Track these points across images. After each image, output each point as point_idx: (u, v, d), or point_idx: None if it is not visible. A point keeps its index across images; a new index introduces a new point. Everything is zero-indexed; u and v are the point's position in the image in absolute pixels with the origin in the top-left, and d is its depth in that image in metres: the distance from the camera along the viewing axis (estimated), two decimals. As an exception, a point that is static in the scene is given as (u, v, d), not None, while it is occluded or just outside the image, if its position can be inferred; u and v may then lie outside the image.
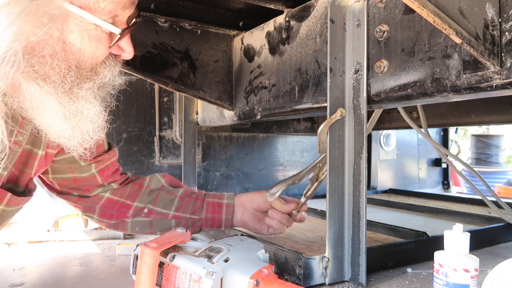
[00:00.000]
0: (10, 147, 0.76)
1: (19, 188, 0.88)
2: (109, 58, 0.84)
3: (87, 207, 1.10)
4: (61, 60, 0.74)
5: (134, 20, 0.83)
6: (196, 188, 1.83)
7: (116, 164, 1.13)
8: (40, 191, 1.78)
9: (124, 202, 1.11)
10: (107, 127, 0.86)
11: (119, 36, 0.80)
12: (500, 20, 0.71)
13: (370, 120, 1.09)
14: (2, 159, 0.73)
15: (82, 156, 0.87)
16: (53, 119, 0.78)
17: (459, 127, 3.20)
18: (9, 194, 0.84)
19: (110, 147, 1.11)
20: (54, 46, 0.73)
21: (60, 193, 1.09)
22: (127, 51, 0.85)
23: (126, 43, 0.84)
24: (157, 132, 1.84)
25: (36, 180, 1.00)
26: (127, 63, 1.21)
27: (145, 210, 1.11)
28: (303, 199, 1.15)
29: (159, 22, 1.28)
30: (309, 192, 1.13)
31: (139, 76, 1.28)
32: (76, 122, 0.80)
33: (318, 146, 0.95)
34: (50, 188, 1.09)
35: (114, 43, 0.81)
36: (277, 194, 1.11)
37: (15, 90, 0.74)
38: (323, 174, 1.09)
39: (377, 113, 1.14)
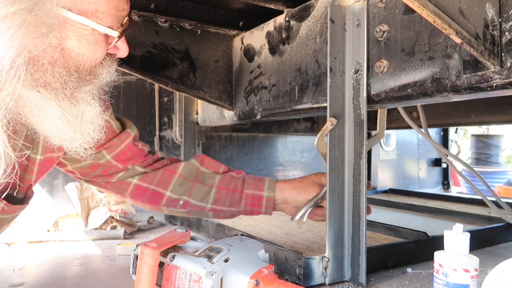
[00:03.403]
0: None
1: (19, 195, 0.87)
2: (106, 58, 0.84)
3: (117, 191, 1.08)
4: (61, 67, 0.75)
5: (127, 18, 0.83)
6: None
7: (136, 145, 1.06)
8: (40, 193, 1.79)
9: (154, 190, 1.07)
10: (107, 126, 0.86)
11: (117, 38, 0.81)
12: (500, 20, 0.71)
13: (379, 121, 1.08)
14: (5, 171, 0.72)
15: (83, 155, 0.86)
16: (55, 124, 0.78)
17: (459, 127, 3.20)
18: (4, 202, 0.83)
19: (124, 128, 1.05)
20: (53, 54, 0.73)
21: (87, 181, 1.07)
22: (122, 50, 0.86)
23: (122, 42, 0.85)
24: (157, 132, 1.84)
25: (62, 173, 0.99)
26: (127, 63, 1.21)
27: (180, 202, 1.08)
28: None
29: (159, 22, 1.28)
30: None
31: (139, 76, 1.28)
32: (77, 124, 0.80)
33: (317, 148, 0.97)
34: (76, 176, 1.06)
35: (113, 45, 0.82)
36: (305, 219, 1.08)
37: (14, 99, 0.73)
38: None
39: (382, 113, 1.10)
